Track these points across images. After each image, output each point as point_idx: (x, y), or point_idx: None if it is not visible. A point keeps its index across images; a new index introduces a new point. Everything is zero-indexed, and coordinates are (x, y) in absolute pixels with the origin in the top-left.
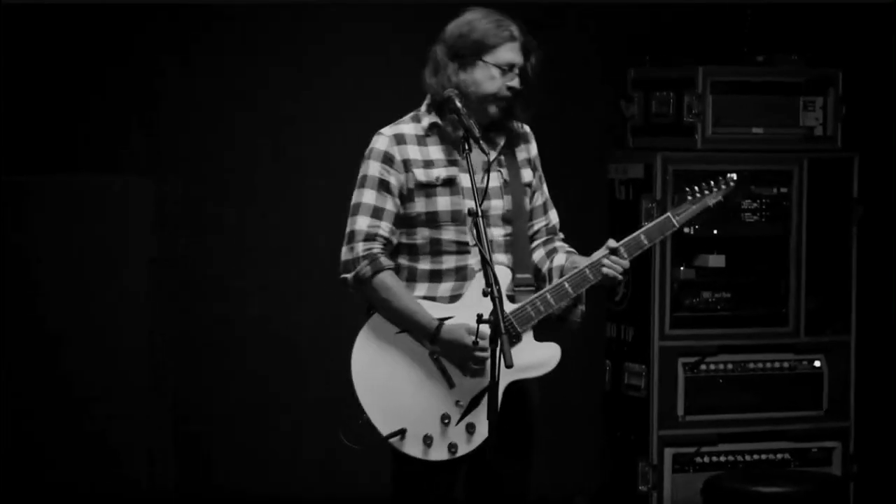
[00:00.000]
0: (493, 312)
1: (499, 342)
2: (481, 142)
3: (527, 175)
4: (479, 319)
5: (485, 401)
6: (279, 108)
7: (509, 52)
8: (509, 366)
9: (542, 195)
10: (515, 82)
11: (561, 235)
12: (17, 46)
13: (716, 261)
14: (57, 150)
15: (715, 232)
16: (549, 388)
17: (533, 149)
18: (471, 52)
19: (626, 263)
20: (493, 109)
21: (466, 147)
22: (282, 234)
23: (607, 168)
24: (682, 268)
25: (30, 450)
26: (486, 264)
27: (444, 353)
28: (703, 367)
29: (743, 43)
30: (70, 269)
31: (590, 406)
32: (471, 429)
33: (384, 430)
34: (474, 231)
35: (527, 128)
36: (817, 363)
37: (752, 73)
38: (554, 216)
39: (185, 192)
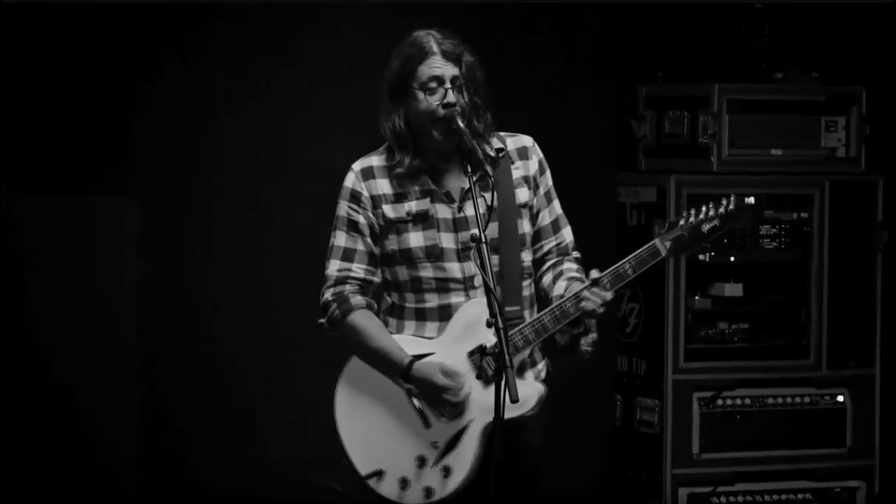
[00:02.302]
0: (497, 344)
1: (503, 376)
2: (469, 166)
3: (522, 195)
4: (483, 351)
5: (462, 442)
6: (277, 114)
7: (430, 68)
8: (514, 400)
9: (552, 213)
10: (450, 96)
11: (575, 255)
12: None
13: (732, 289)
14: (48, 158)
15: (732, 259)
16: (555, 423)
17: (533, 165)
18: (399, 84)
19: (609, 296)
20: (437, 135)
21: (469, 170)
22: (281, 239)
23: (617, 191)
24: (696, 297)
25: (26, 452)
26: (490, 293)
27: (419, 392)
28: (720, 401)
29: (760, 59)
30: (62, 277)
31: (599, 443)
32: (446, 472)
33: (362, 471)
34: (477, 258)
35: (527, 141)
36: (840, 398)
37: (771, 91)
38: (567, 234)
39: (179, 202)
